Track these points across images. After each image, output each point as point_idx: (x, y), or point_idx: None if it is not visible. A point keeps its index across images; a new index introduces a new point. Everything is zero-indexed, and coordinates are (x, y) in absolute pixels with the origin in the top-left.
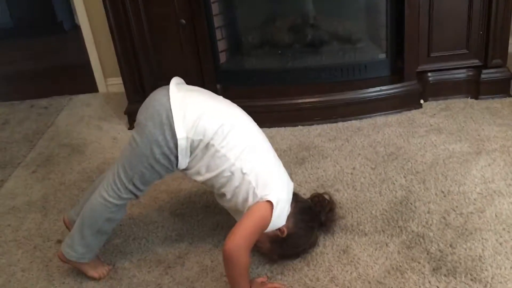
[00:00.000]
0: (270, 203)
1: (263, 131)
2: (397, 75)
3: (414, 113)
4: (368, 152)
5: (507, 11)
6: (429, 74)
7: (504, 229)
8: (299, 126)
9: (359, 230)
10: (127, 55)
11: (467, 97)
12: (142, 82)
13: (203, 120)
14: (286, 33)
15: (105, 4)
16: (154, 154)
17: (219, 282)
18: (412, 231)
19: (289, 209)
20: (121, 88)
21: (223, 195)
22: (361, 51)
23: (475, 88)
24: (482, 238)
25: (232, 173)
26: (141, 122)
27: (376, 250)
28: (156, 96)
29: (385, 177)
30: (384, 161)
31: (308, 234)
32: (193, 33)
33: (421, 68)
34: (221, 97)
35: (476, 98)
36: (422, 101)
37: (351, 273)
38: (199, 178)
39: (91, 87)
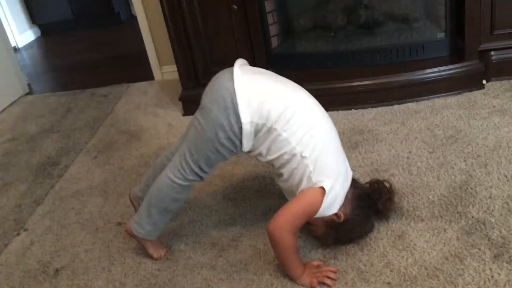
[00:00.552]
0: (323, 189)
1: None
2: (457, 54)
3: (475, 94)
4: (425, 135)
5: None
6: (492, 53)
7: None
8: (353, 110)
9: (415, 215)
10: (181, 42)
11: None
12: (196, 68)
13: (267, 104)
14: (339, 15)
15: None
16: (219, 138)
17: (271, 265)
18: (472, 217)
19: (343, 199)
20: (176, 76)
21: (281, 175)
22: (418, 30)
23: None
24: None
25: (292, 156)
26: (206, 106)
27: (433, 236)
28: (220, 79)
29: (444, 161)
30: (442, 144)
31: (364, 221)
32: (245, 18)
33: (483, 47)
34: (285, 79)
35: None
36: (484, 82)
37: (407, 259)
38: (262, 159)
39: (147, 75)
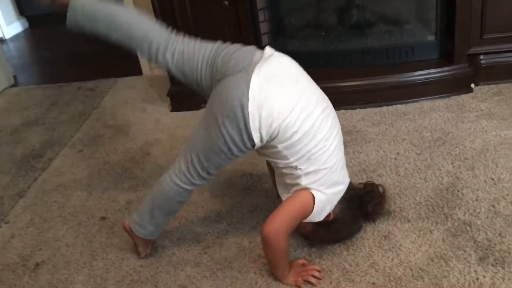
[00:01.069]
0: (313, 195)
1: None
2: (446, 58)
3: (463, 98)
4: (413, 137)
5: None
6: (481, 57)
7: None
8: (342, 110)
9: (401, 216)
10: None
11: None
12: None
13: (277, 130)
14: (330, 15)
15: None
16: (232, 151)
17: (256, 263)
18: (459, 219)
19: (335, 205)
20: (164, 71)
21: (277, 171)
22: (408, 32)
23: None
24: None
25: (288, 167)
26: (216, 117)
27: (419, 237)
28: (233, 91)
29: (431, 163)
30: (430, 146)
31: (352, 222)
32: (236, 15)
33: (472, 50)
34: (304, 84)
35: None
36: (473, 85)
37: (392, 259)
38: (260, 156)
39: (136, 70)
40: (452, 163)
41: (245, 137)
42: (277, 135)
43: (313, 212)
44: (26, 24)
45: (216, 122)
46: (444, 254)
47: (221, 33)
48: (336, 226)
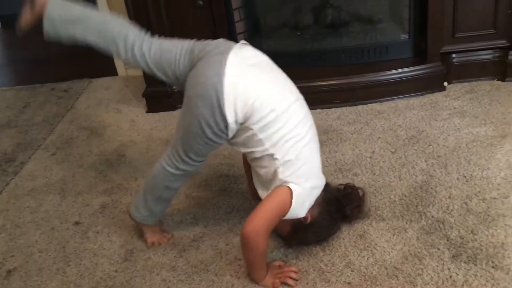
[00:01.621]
0: (291, 190)
1: None
2: (420, 56)
3: (437, 96)
4: (388, 135)
5: None
6: (454, 55)
7: None
8: (318, 109)
9: (376, 215)
10: None
11: (493, 79)
12: None
13: (252, 106)
14: (305, 14)
15: None
16: (205, 133)
17: (233, 265)
18: (432, 217)
19: (313, 202)
20: (140, 72)
21: (255, 166)
22: (382, 32)
23: (502, 70)
24: (505, 225)
25: (264, 156)
26: (191, 99)
27: (394, 235)
28: (209, 71)
29: (405, 161)
30: (404, 144)
31: (330, 225)
32: (211, 15)
33: (445, 49)
34: (278, 73)
35: (503, 80)
36: (445, 84)
37: (367, 258)
38: (237, 149)
39: (111, 71)
40: (426, 161)
41: (218, 117)
42: (252, 112)
43: (292, 206)
44: None
45: (189, 104)
46: (418, 252)
47: (197, 33)
48: (314, 229)
